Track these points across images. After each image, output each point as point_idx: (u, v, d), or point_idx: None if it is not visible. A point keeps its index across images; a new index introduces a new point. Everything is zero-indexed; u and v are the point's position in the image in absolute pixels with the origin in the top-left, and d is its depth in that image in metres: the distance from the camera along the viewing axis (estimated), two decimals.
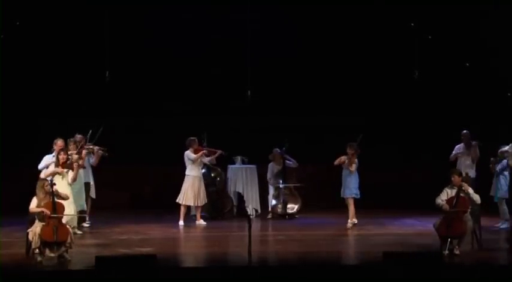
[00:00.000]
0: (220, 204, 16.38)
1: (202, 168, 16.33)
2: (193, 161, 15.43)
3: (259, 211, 16.37)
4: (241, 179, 17.02)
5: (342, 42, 17.95)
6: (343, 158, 15.07)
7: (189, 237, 14.56)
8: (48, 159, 13.49)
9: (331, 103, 18.14)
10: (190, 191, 15.37)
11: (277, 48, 17.72)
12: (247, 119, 17.80)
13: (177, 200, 15.43)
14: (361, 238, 14.38)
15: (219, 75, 17.95)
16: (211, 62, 17.91)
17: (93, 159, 14.70)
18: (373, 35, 17.92)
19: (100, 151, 14.52)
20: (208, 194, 16.23)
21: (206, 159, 15.81)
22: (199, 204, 15.53)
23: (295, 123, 17.94)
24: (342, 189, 15.29)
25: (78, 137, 14.26)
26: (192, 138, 15.55)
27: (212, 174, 16.62)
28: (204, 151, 15.62)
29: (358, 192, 15.11)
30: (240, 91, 17.76)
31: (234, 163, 17.32)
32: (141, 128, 17.75)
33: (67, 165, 12.80)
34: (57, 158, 12.88)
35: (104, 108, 17.31)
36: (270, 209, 16.53)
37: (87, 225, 14.80)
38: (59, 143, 13.52)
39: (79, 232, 13.84)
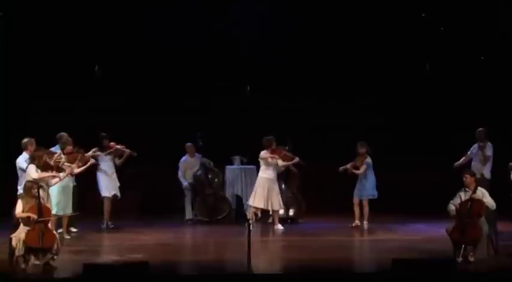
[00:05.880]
0: (217, 207, 16.42)
1: (198, 170, 16.69)
2: (264, 161, 15.43)
3: (260, 215, 16.31)
4: (240, 180, 17.08)
5: (349, 35, 17.88)
6: (349, 166, 15.57)
7: (184, 244, 14.57)
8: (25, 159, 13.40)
9: (336, 100, 18.11)
10: (261, 193, 15.44)
11: (278, 42, 17.72)
12: (246, 116, 17.79)
13: (248, 202, 15.66)
14: (368, 244, 14.50)
15: (217, 70, 17.93)
16: (209, 57, 17.92)
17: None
18: (382, 25, 17.77)
19: (91, 161, 14.54)
20: (205, 197, 16.59)
21: (281, 164, 15.71)
22: (273, 208, 15.55)
23: (298, 120, 17.97)
24: (355, 191, 15.70)
25: (65, 134, 14.33)
26: (269, 137, 15.55)
27: (209, 176, 16.68)
28: (276, 155, 15.54)
29: (376, 193, 15.65)
30: (238, 86, 17.87)
31: (232, 164, 17.35)
32: (131, 129, 17.58)
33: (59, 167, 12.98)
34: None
35: (97, 106, 17.41)
36: (270, 212, 16.46)
37: (75, 230, 14.87)
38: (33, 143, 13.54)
39: (67, 237, 14.00)
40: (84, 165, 13.89)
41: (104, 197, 15.44)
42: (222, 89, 17.88)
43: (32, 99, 17.07)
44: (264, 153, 15.51)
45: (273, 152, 15.56)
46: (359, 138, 15.92)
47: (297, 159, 15.77)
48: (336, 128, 17.95)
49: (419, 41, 17.71)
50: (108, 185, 15.45)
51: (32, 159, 12.50)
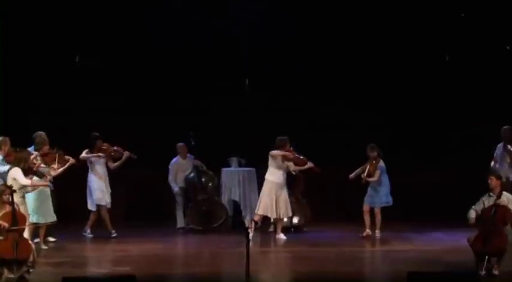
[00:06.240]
0: (212, 214, 16.21)
1: (190, 173, 16.37)
2: (275, 161, 15.16)
3: (259, 223, 15.87)
4: (238, 184, 16.83)
5: (349, 34, 17.75)
6: (362, 176, 15.24)
7: (175, 255, 14.47)
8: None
9: (342, 97, 17.87)
10: (267, 199, 15.25)
11: (278, 40, 17.66)
12: (245, 115, 17.59)
13: (255, 211, 15.54)
14: (381, 255, 14.39)
15: (215, 69, 17.88)
16: (208, 56, 17.82)
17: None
18: (395, 11, 17.69)
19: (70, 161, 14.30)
20: (198, 202, 16.31)
21: (291, 167, 15.48)
22: (279, 217, 15.36)
23: (298, 119, 17.69)
24: (366, 197, 15.48)
25: (42, 134, 14.12)
26: (283, 137, 15.27)
27: (203, 179, 16.42)
28: (290, 154, 15.20)
29: (390, 199, 15.45)
30: (236, 85, 17.78)
31: (229, 166, 17.12)
32: (125, 130, 17.37)
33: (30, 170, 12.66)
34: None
35: (97, 105, 17.41)
36: (272, 220, 16.15)
37: (54, 239, 14.68)
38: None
39: (44, 247, 13.84)
40: (63, 166, 13.67)
41: (99, 206, 15.25)
42: (220, 88, 17.82)
43: (32, 99, 17.23)
44: (276, 151, 15.20)
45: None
46: (359, 137, 15.85)
47: (310, 165, 15.49)
48: (336, 127, 17.84)
49: (439, 29, 17.66)
50: (103, 192, 15.28)
51: (18, 162, 12.32)
